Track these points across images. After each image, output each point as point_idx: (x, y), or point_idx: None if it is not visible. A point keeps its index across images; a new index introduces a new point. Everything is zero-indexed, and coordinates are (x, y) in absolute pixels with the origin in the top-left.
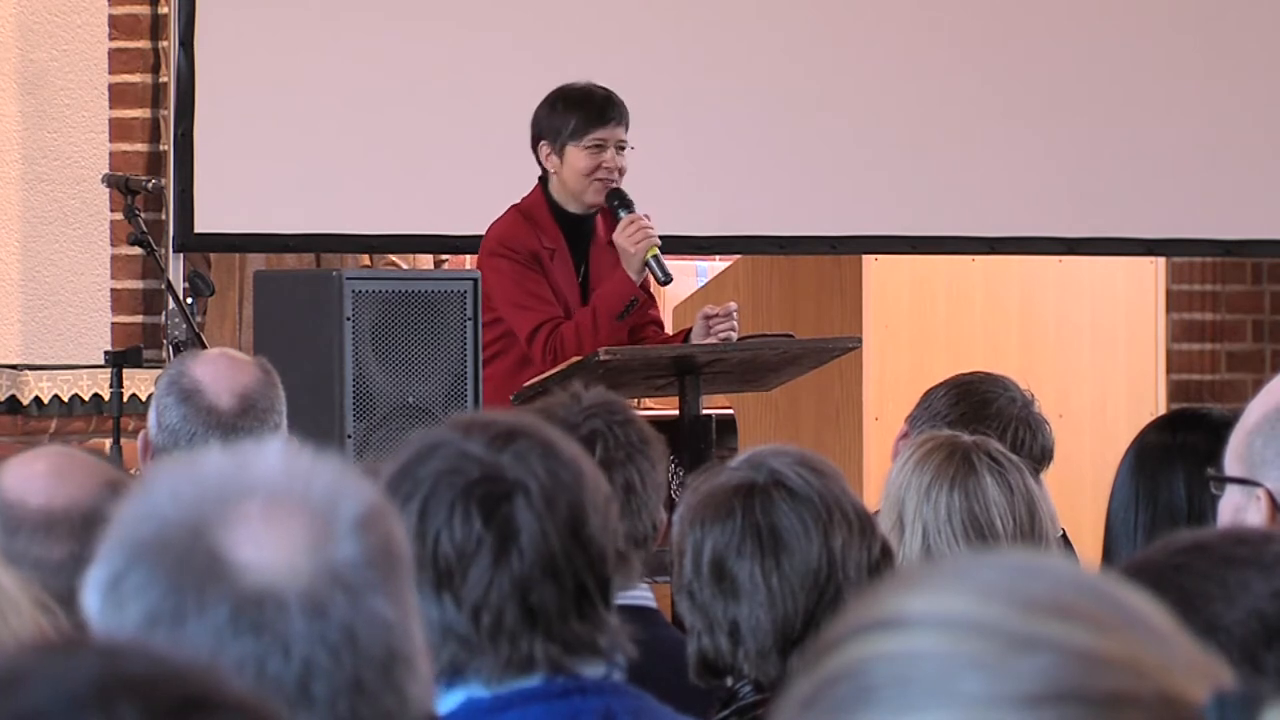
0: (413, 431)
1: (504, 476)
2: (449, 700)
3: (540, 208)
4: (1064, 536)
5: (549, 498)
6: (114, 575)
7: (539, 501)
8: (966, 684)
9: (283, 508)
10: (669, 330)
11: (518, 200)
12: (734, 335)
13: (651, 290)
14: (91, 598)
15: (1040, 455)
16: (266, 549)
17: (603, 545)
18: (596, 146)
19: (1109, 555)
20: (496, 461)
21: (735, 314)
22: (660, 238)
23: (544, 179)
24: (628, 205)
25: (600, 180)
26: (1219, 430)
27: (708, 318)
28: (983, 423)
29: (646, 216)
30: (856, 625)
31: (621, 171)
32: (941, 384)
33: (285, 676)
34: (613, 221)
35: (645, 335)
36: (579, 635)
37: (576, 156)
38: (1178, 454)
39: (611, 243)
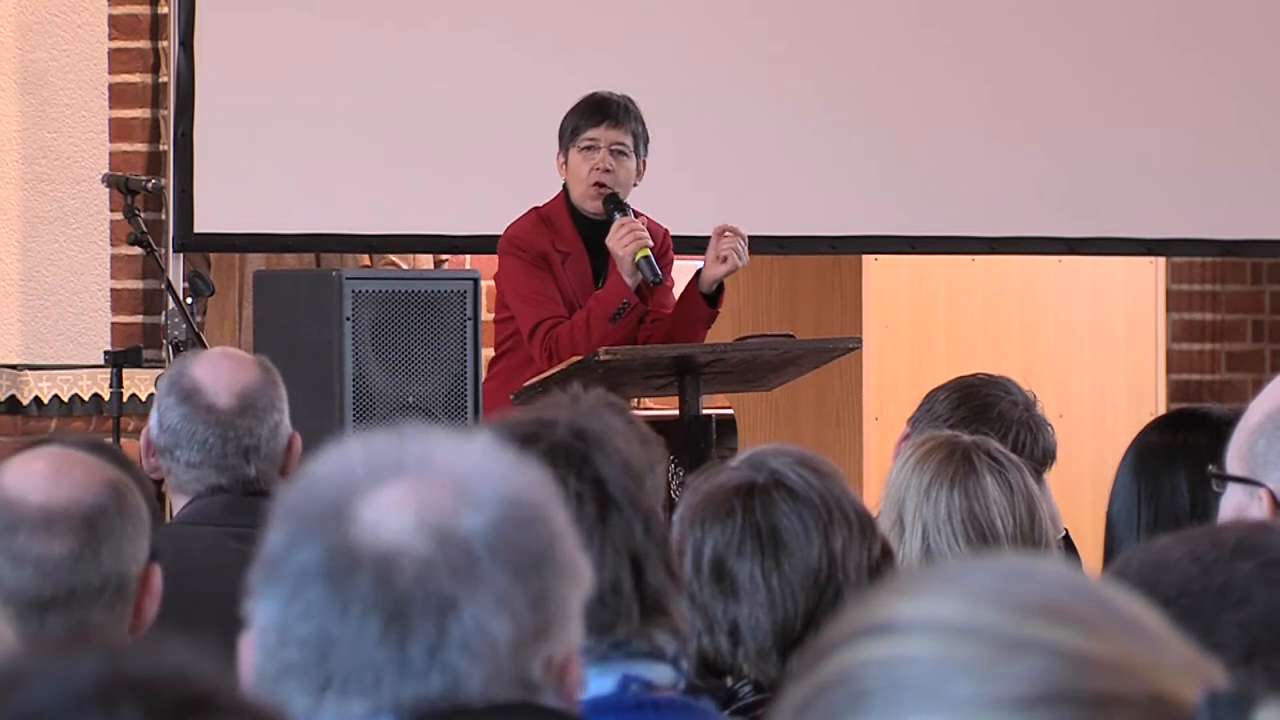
0: None
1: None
2: None
3: (560, 212)
4: (1067, 538)
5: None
6: (268, 536)
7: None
8: (958, 687)
9: (426, 481)
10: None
11: (517, 199)
12: (738, 256)
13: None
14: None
15: (1042, 457)
16: (383, 511)
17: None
18: (589, 148)
19: (1111, 556)
20: (574, 422)
21: (744, 238)
22: (671, 237)
23: (566, 185)
24: (622, 209)
25: (595, 185)
26: (1220, 429)
27: (719, 235)
28: (984, 425)
29: (644, 219)
30: (848, 631)
31: (617, 174)
32: (943, 386)
33: (340, 636)
34: (610, 224)
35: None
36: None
37: (574, 159)
38: (1179, 453)
39: None
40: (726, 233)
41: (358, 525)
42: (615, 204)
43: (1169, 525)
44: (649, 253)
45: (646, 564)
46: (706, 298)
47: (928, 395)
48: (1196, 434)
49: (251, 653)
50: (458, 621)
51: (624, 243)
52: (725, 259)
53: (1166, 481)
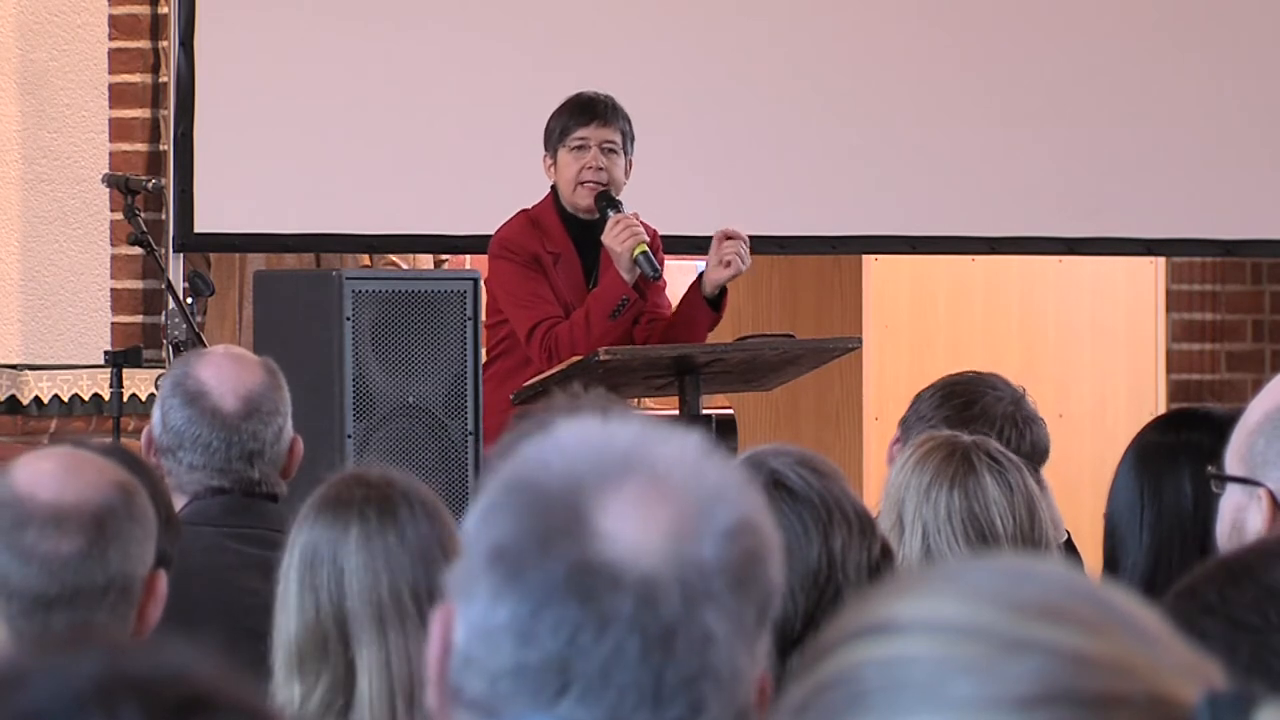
0: (413, 431)
1: None
2: None
3: (549, 214)
4: (1069, 543)
5: None
6: (489, 504)
7: None
8: (958, 687)
9: (661, 492)
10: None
11: (517, 199)
12: (741, 261)
13: (663, 285)
14: (469, 520)
15: (1031, 451)
16: (627, 525)
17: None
18: (579, 147)
19: (1112, 557)
20: None
21: (747, 242)
22: (661, 238)
23: (554, 186)
24: (615, 206)
25: (586, 183)
26: (1220, 428)
27: (721, 240)
28: (969, 424)
29: (635, 215)
30: (847, 631)
31: (610, 172)
32: (929, 386)
33: (593, 653)
34: (601, 223)
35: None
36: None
37: (564, 160)
38: (1182, 452)
39: None
40: (729, 237)
41: (601, 540)
42: (608, 201)
43: (1173, 525)
44: (646, 248)
45: None
46: (709, 302)
47: (916, 397)
48: (1198, 432)
49: (458, 637)
50: (715, 653)
51: (621, 239)
52: (729, 264)
53: (1170, 481)
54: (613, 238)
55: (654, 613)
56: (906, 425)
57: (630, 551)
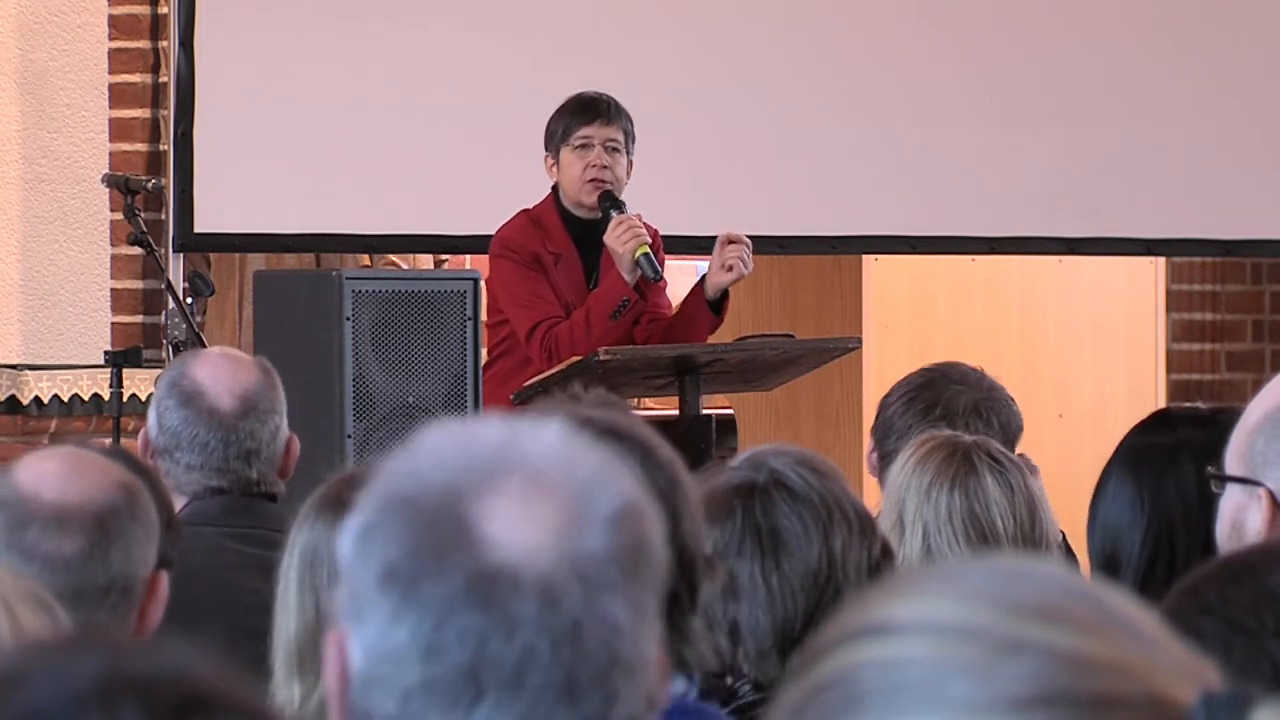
0: (413, 431)
1: None
2: None
3: (550, 214)
4: (1064, 542)
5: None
6: (366, 525)
7: None
8: (955, 688)
9: (541, 489)
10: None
11: (517, 199)
12: (744, 265)
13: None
14: (345, 543)
15: (1002, 435)
16: (514, 527)
17: (694, 551)
18: (583, 146)
19: (1111, 560)
20: None
21: (750, 247)
22: (661, 238)
23: (555, 186)
24: (618, 206)
25: (591, 181)
26: (1208, 426)
27: (724, 244)
28: (934, 424)
29: (638, 216)
30: (845, 632)
31: (613, 170)
32: (891, 393)
33: (503, 658)
34: (603, 223)
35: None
36: (668, 646)
37: (568, 159)
38: (1175, 452)
39: None
40: (731, 241)
41: (492, 545)
42: (611, 201)
43: (1167, 525)
44: (648, 249)
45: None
46: (711, 305)
47: (881, 404)
48: (1194, 431)
49: (355, 660)
50: (622, 643)
51: (623, 240)
52: (731, 268)
53: (1165, 480)
54: (615, 238)
55: (557, 610)
56: (878, 437)
57: (523, 552)
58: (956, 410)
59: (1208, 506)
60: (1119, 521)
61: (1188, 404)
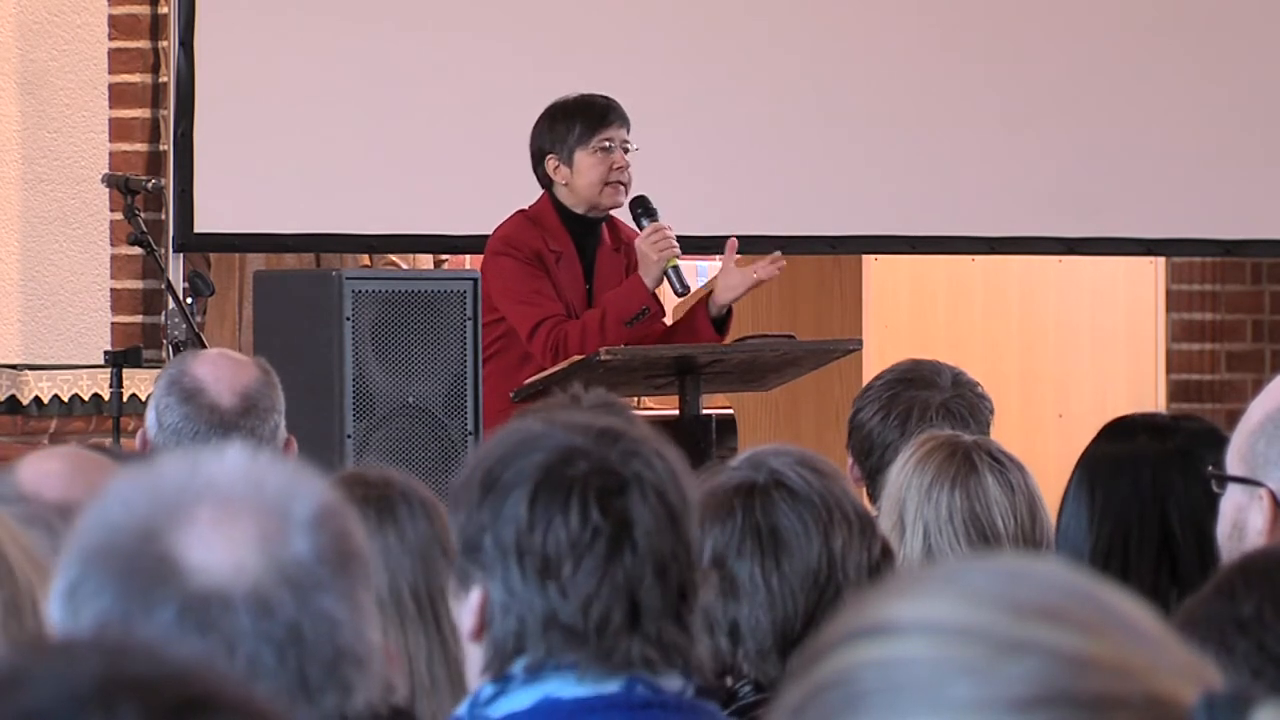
0: (413, 431)
1: (617, 470)
2: (522, 697)
3: (548, 213)
4: None
5: (660, 494)
6: (70, 584)
7: (652, 497)
8: (956, 689)
9: (233, 509)
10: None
11: (517, 199)
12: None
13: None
14: (54, 608)
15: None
16: (214, 550)
17: (696, 547)
18: (604, 149)
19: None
20: (606, 456)
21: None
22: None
23: (550, 187)
24: (651, 214)
25: (614, 183)
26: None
27: (760, 262)
28: (908, 433)
29: (669, 227)
30: (845, 632)
31: (628, 171)
32: (863, 409)
33: (252, 667)
34: (638, 227)
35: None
36: (674, 639)
37: (586, 162)
38: (1138, 461)
39: (618, 249)
40: (779, 262)
41: (196, 573)
42: (644, 207)
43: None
44: (679, 262)
45: (645, 608)
46: (715, 322)
47: (852, 420)
48: (1149, 438)
49: None
50: (343, 635)
51: (659, 247)
52: (760, 282)
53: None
54: (650, 244)
55: (273, 618)
56: (857, 453)
57: (229, 572)
58: (930, 416)
59: (1165, 516)
60: (1074, 531)
61: (1148, 411)
